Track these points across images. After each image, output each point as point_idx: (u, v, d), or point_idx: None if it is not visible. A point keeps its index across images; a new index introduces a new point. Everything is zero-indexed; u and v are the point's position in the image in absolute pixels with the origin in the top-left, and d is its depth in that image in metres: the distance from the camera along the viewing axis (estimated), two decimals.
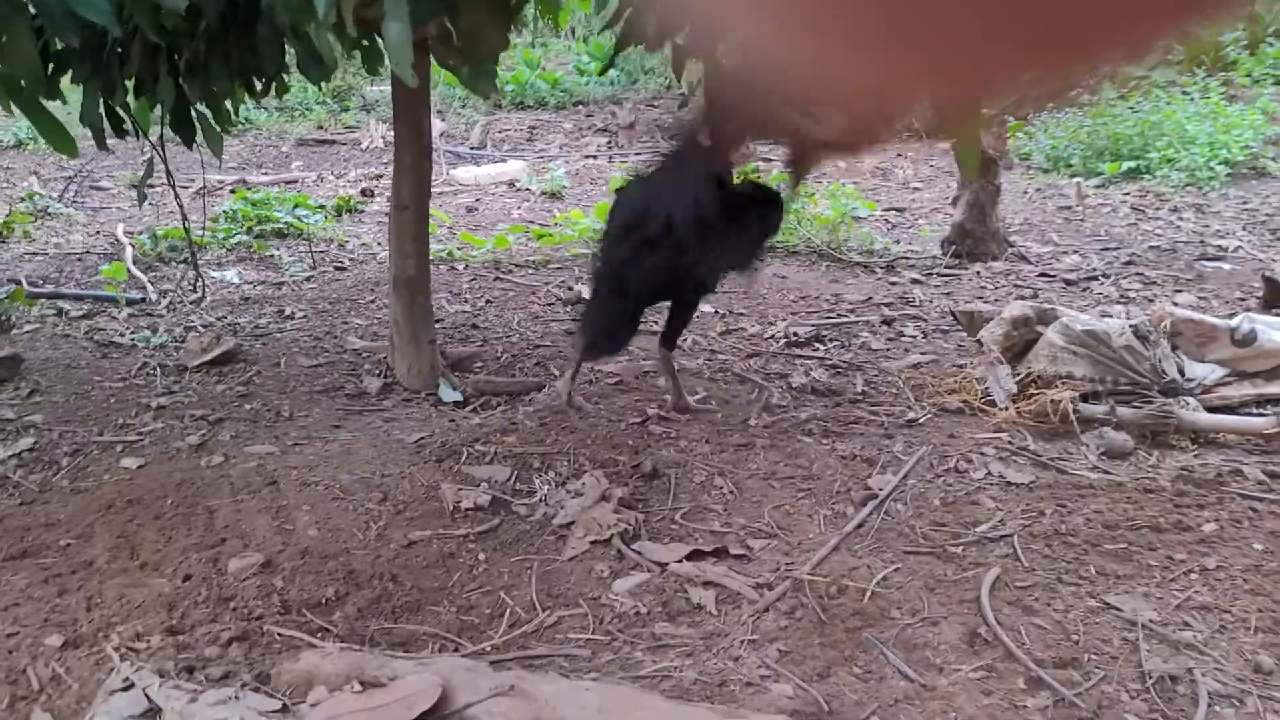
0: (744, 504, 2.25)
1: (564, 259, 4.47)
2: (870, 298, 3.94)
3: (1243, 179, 6.24)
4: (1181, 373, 2.76)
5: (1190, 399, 2.69)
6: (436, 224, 5.03)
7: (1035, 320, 2.92)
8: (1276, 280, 3.66)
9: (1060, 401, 2.66)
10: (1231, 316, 3.02)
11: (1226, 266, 4.42)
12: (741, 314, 3.68)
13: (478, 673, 1.49)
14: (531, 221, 5.49)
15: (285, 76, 2.83)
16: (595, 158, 8.33)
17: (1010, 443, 2.58)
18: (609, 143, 9.36)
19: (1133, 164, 6.46)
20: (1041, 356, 2.83)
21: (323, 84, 2.92)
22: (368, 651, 1.57)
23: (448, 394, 2.86)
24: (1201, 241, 4.82)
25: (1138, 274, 4.22)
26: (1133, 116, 6.80)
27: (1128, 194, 6.05)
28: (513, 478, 2.30)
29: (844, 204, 4.96)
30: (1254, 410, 2.75)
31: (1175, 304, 3.43)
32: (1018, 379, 2.81)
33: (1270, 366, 2.86)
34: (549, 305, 3.81)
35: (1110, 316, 3.02)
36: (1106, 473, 2.41)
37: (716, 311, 3.71)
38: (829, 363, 3.19)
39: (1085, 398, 2.75)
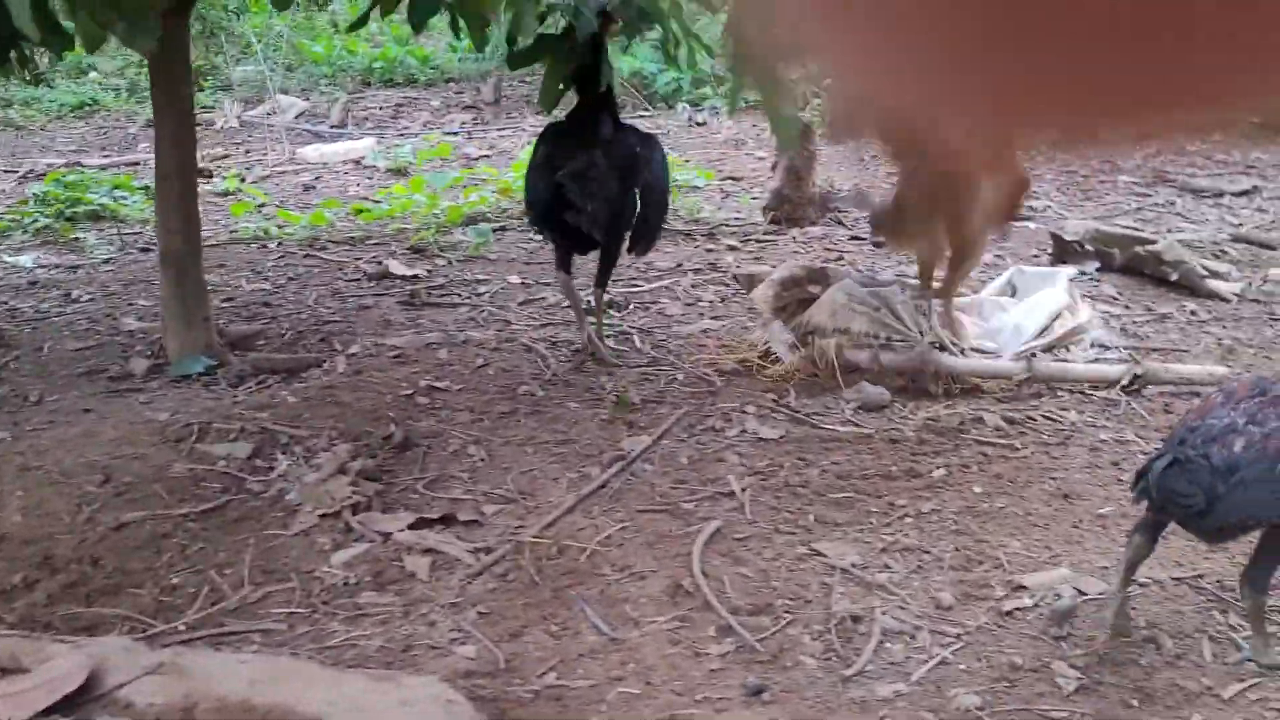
0: (492, 471, 2.25)
1: (383, 234, 4.40)
2: (680, 264, 3.96)
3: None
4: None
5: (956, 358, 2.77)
6: (251, 201, 4.91)
7: (805, 280, 2.97)
8: (1062, 238, 3.79)
9: (826, 351, 2.72)
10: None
11: (1032, 226, 4.56)
12: (546, 284, 3.67)
13: (136, 653, 1.46)
14: (365, 198, 5.39)
15: (29, 52, 2.71)
16: (456, 134, 8.20)
17: (774, 400, 2.62)
18: (474, 119, 9.26)
19: None
20: (822, 310, 2.87)
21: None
22: (23, 637, 1.53)
23: (192, 366, 2.77)
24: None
25: None
26: None
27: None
28: (254, 455, 2.26)
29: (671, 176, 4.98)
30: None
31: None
32: (796, 334, 2.86)
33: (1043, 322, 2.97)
34: (353, 281, 3.75)
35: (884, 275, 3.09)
36: (858, 426, 2.47)
37: (524, 282, 3.69)
38: (620, 329, 3.20)
39: (865, 349, 2.82)
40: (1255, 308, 3.34)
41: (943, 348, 2.78)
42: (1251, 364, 2.85)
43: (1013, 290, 3.20)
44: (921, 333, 2.79)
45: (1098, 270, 3.68)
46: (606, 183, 2.71)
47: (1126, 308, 3.38)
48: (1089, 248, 3.73)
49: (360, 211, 4.59)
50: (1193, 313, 3.31)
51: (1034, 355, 2.85)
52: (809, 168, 4.52)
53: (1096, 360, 2.88)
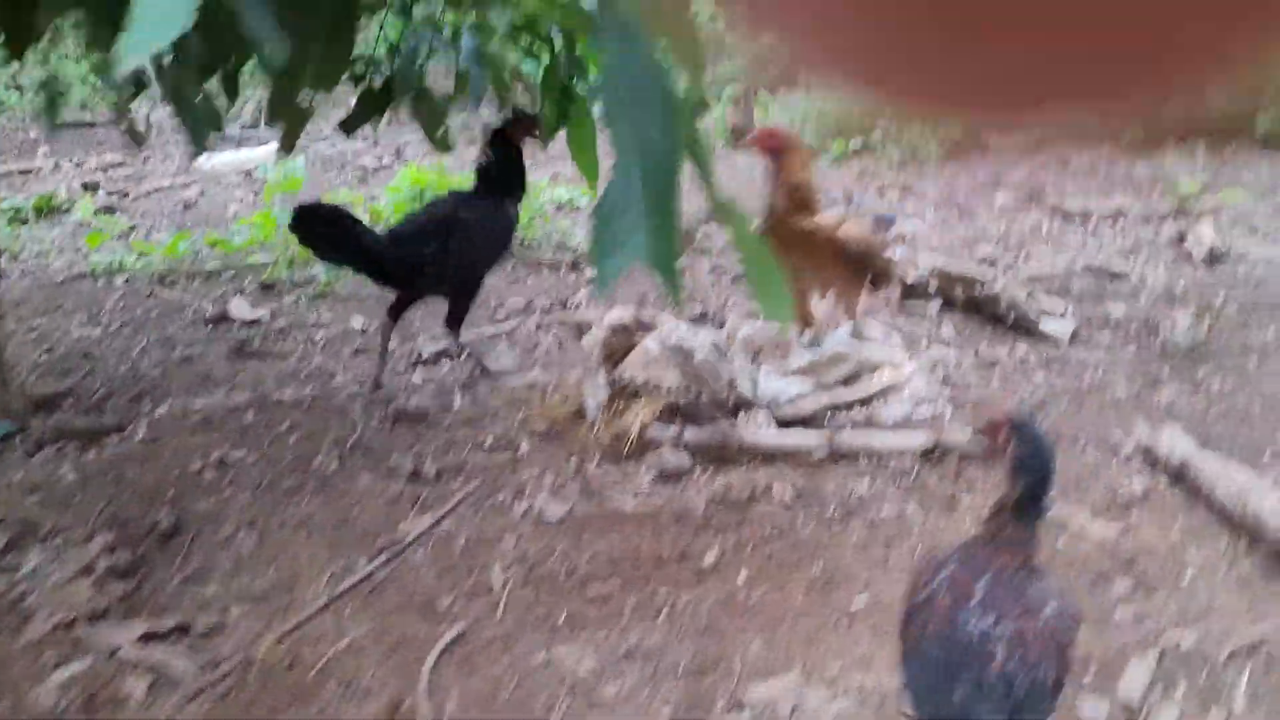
0: (256, 561, 2.20)
1: (242, 265, 4.31)
2: (531, 302, 3.91)
3: (968, 149, 6.47)
4: (755, 386, 2.82)
5: (760, 414, 2.75)
6: (107, 232, 4.78)
7: (635, 328, 2.94)
8: (904, 280, 3.79)
9: (632, 423, 2.69)
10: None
11: (899, 252, 4.57)
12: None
13: None
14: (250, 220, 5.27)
15: None
16: (366, 139, 8.00)
17: (576, 467, 2.60)
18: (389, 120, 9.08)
19: (859, 142, 6.64)
20: (636, 363, 2.85)
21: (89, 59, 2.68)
22: None
23: None
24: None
25: None
26: None
27: (846, 174, 6.20)
28: (6, 548, 2.19)
29: (540, 198, 4.93)
30: (828, 419, 2.85)
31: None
32: (613, 385, 2.83)
33: (845, 374, 2.96)
34: (190, 325, 3.66)
35: (704, 328, 3.06)
36: (648, 499, 2.45)
37: (363, 328, 3.63)
38: (447, 381, 3.15)
39: (673, 409, 2.79)
40: (1082, 351, 3.36)
41: (750, 407, 2.77)
42: (1060, 418, 2.87)
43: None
44: (730, 385, 2.77)
45: (939, 310, 3.70)
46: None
47: (959, 350, 3.39)
48: (931, 289, 3.74)
49: (215, 243, 4.48)
50: (1022, 359, 3.32)
51: (840, 408, 2.86)
52: None
53: (909, 416, 2.89)
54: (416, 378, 3.20)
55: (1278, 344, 3.37)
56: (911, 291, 3.76)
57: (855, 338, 3.14)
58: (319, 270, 4.08)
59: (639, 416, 2.71)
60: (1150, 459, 2.59)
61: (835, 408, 2.88)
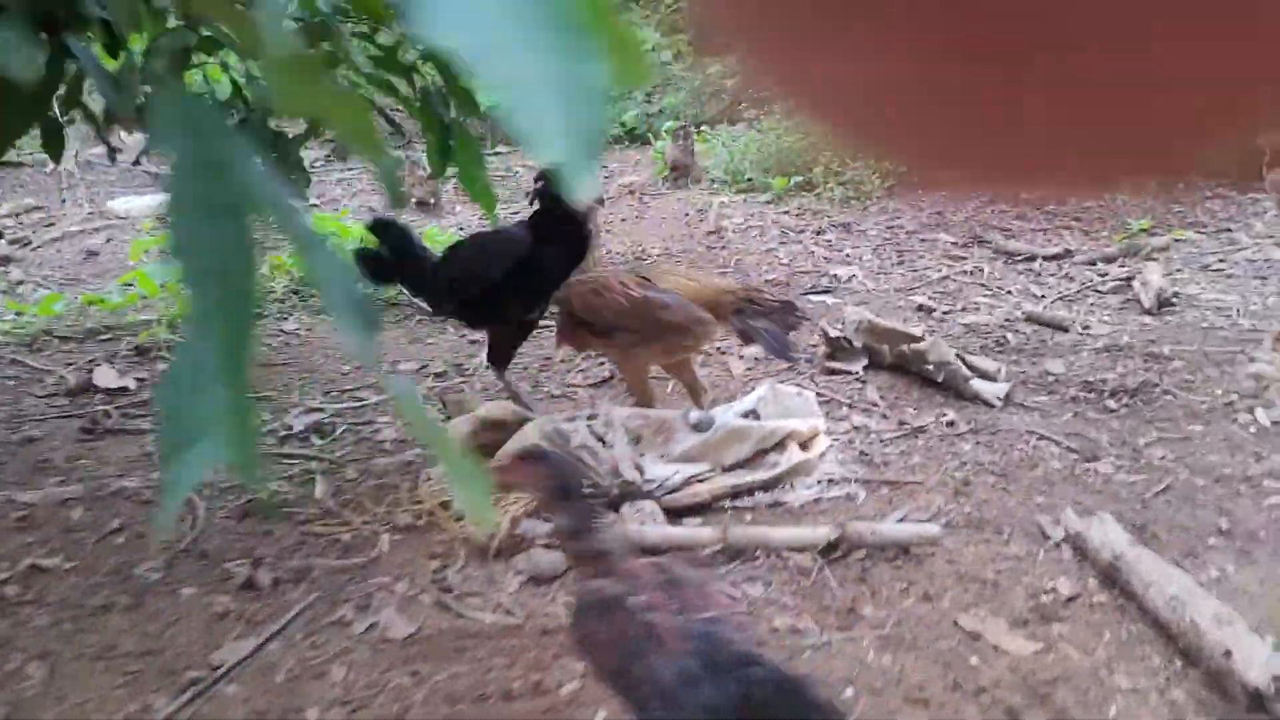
0: (39, 704, 1.87)
1: (119, 327, 3.99)
2: (427, 365, 3.62)
3: (903, 186, 6.25)
4: (642, 472, 2.53)
5: (646, 504, 2.46)
6: None
7: (513, 423, 2.65)
8: (829, 333, 3.52)
9: (503, 520, 2.39)
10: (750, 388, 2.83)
11: (830, 300, 4.31)
12: (267, 395, 3.30)
13: None
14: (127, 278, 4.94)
15: None
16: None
17: (435, 571, 2.29)
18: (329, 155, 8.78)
19: (801, 178, 6.40)
20: (513, 450, 2.55)
21: None
22: None
23: None
24: (821, 272, 4.72)
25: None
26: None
27: (786, 212, 5.96)
28: None
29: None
30: (725, 505, 2.57)
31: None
32: (494, 470, 2.53)
33: (747, 453, 2.68)
34: (47, 398, 3.34)
35: (597, 416, 2.76)
36: (510, 613, 2.14)
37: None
38: (310, 463, 2.84)
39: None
40: (1015, 416, 3.10)
41: (635, 496, 2.48)
42: (985, 500, 2.59)
43: (755, 417, 2.92)
44: (614, 473, 2.48)
45: (865, 369, 3.42)
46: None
47: (884, 416, 3.12)
48: (857, 344, 3.47)
49: (92, 302, 4.16)
50: (949, 423, 3.05)
51: (741, 492, 2.57)
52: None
53: (819, 498, 2.61)
54: (289, 449, 2.89)
55: (1224, 406, 3.11)
56: (837, 347, 3.49)
57: (750, 415, 2.87)
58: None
59: (510, 510, 2.41)
60: (1080, 551, 2.31)
61: (736, 493, 2.59)
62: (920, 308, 4.12)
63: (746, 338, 2.83)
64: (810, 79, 0.26)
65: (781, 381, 3.32)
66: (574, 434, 2.48)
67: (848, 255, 4.99)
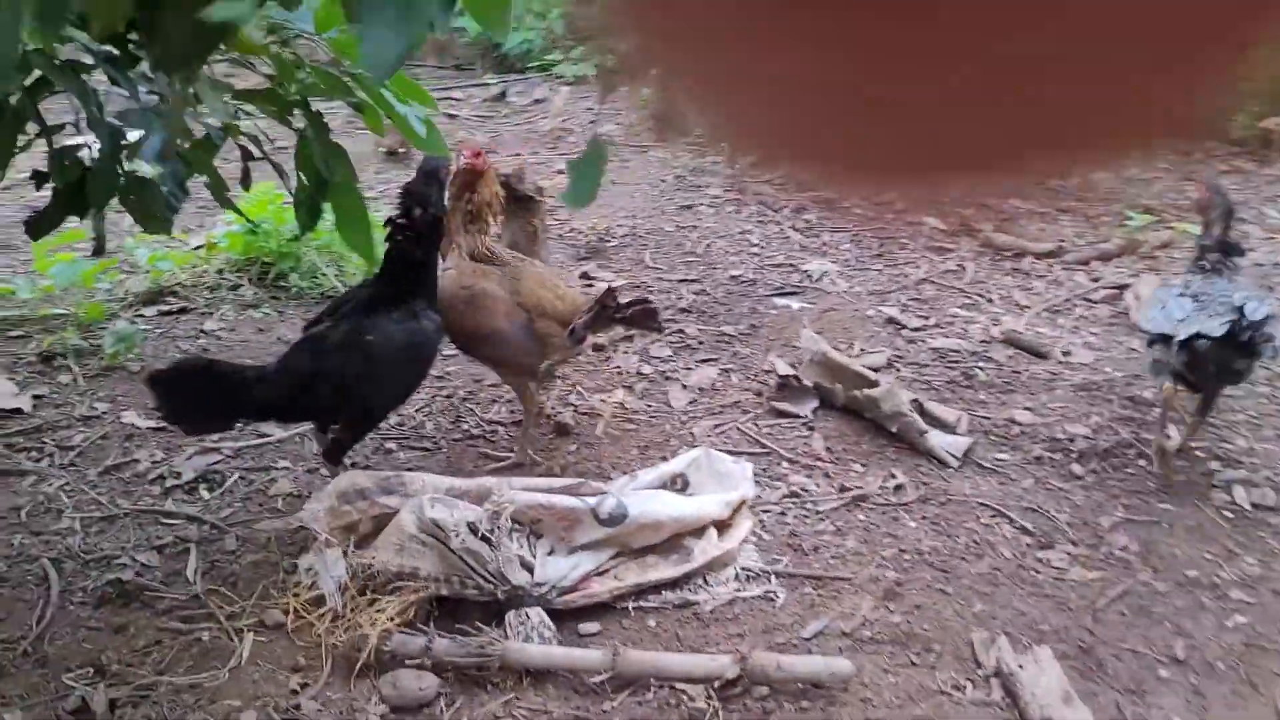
0: None
1: (29, 325, 3.71)
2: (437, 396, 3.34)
3: None
4: (532, 572, 2.28)
5: (534, 614, 2.22)
6: None
7: (376, 490, 2.40)
8: (778, 371, 3.23)
9: (370, 629, 2.16)
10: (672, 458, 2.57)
11: (795, 305, 4.01)
12: (159, 429, 3.05)
13: None
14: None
15: None
16: None
17: (290, 691, 2.07)
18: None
19: None
20: (390, 544, 2.31)
21: None
22: None
23: None
24: (792, 266, 4.39)
25: (681, 330, 3.74)
26: None
27: (770, 179, 5.58)
28: None
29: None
30: (627, 605, 2.33)
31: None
32: (362, 570, 2.29)
33: (657, 541, 2.43)
34: None
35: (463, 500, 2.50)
36: None
37: (133, 428, 3.06)
38: (190, 526, 2.61)
39: (435, 605, 2.27)
40: (971, 481, 2.83)
41: (522, 602, 2.23)
42: (917, 606, 2.34)
43: (684, 483, 2.66)
44: (503, 579, 2.24)
45: (815, 412, 3.14)
46: None
47: (827, 476, 2.85)
48: (808, 383, 3.18)
49: (7, 294, 3.88)
50: (897, 487, 2.79)
51: (645, 590, 2.33)
52: (531, 243, 3.88)
53: (733, 599, 2.36)
54: (171, 504, 2.65)
55: (1202, 478, 2.83)
56: (785, 385, 3.20)
57: (677, 481, 2.61)
58: (127, 328, 3.50)
59: (379, 621, 2.17)
60: (1011, 694, 2.07)
61: (640, 590, 2.35)
62: (890, 321, 3.81)
63: (626, 325, 2.85)
64: (712, 81, 0.25)
65: (721, 426, 3.06)
66: (454, 533, 2.22)
67: (825, 244, 4.65)
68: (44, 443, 2.98)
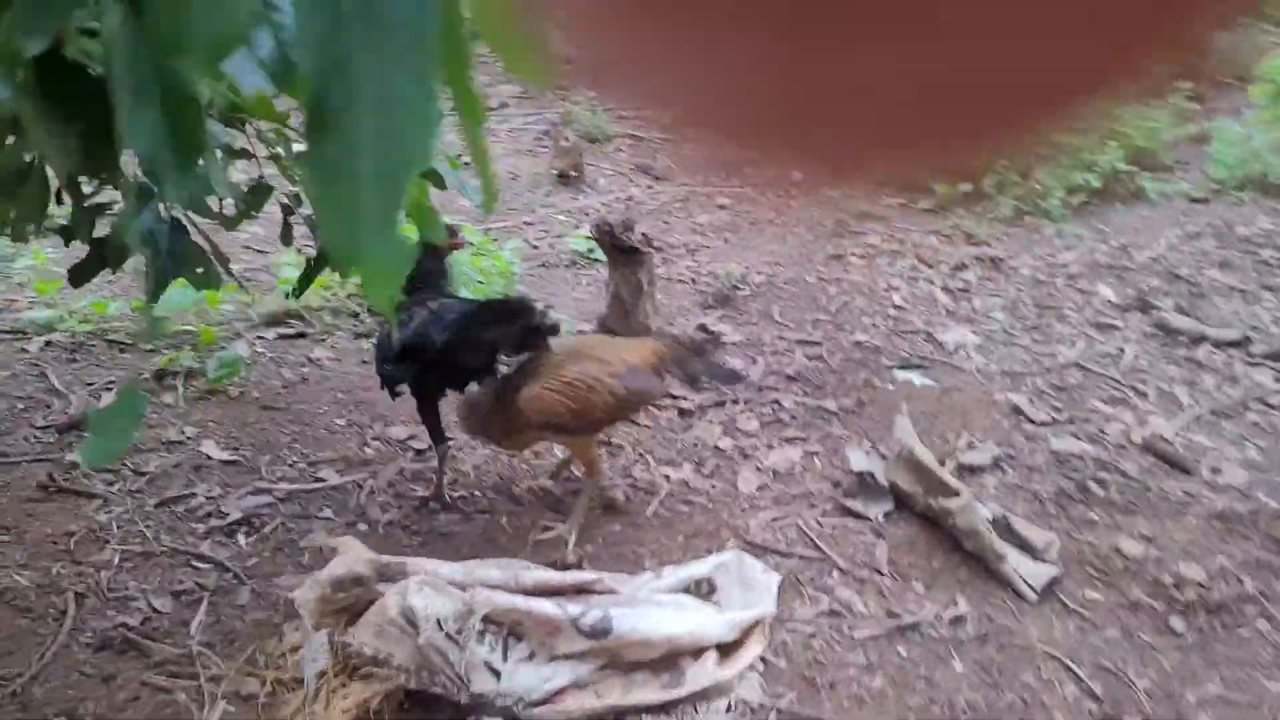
0: None
1: (164, 338, 3.91)
2: (413, 437, 3.32)
3: (1098, 207, 5.33)
4: (499, 678, 2.14)
5: None
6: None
7: (374, 579, 2.32)
8: (849, 467, 2.95)
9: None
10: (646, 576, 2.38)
11: (918, 381, 3.68)
12: (242, 456, 3.11)
13: None
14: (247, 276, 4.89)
15: None
16: None
17: None
18: None
19: (969, 185, 5.57)
20: (370, 625, 2.24)
21: None
22: None
23: None
24: (929, 333, 4.05)
25: (777, 400, 3.50)
26: None
27: (935, 230, 5.20)
28: None
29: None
30: None
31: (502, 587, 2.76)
32: (342, 649, 2.23)
33: (656, 656, 2.24)
34: (43, 429, 3.29)
35: (461, 589, 2.37)
36: None
37: (205, 458, 3.14)
38: (213, 574, 2.63)
39: (407, 693, 2.18)
40: (1041, 625, 2.47)
41: (485, 711, 2.10)
42: None
43: (710, 588, 2.46)
44: (466, 683, 2.11)
45: (887, 515, 2.85)
46: None
47: (880, 594, 2.57)
48: (883, 481, 2.89)
49: (138, 307, 4.10)
50: (957, 619, 2.47)
51: (625, 713, 2.14)
52: (636, 296, 3.74)
53: None
54: (207, 547, 2.70)
55: None
56: (862, 482, 2.92)
57: (702, 585, 2.41)
58: (233, 353, 3.63)
59: (350, 710, 2.10)
60: None
61: (617, 713, 2.17)
62: (1015, 411, 3.42)
63: (694, 381, 2.79)
64: (655, 69, 0.26)
65: (781, 520, 2.83)
66: (425, 625, 2.12)
67: (974, 310, 4.26)
68: (125, 464, 3.10)
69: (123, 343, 3.88)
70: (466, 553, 2.72)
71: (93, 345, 3.85)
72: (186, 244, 2.33)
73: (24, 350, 3.77)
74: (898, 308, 4.28)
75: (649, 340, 2.79)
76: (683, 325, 4.13)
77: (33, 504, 2.90)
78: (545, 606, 2.19)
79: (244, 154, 2.35)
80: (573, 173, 6.26)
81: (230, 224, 2.49)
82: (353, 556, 2.33)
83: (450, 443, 2.93)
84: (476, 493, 3.00)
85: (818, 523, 2.84)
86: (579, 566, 2.57)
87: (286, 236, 2.52)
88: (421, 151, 0.74)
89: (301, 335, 3.97)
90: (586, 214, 5.74)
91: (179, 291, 3.71)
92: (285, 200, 2.42)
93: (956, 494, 2.72)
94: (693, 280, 4.59)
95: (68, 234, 2.27)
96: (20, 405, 3.43)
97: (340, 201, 0.75)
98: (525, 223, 5.53)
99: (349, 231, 0.75)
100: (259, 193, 2.41)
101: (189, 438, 3.25)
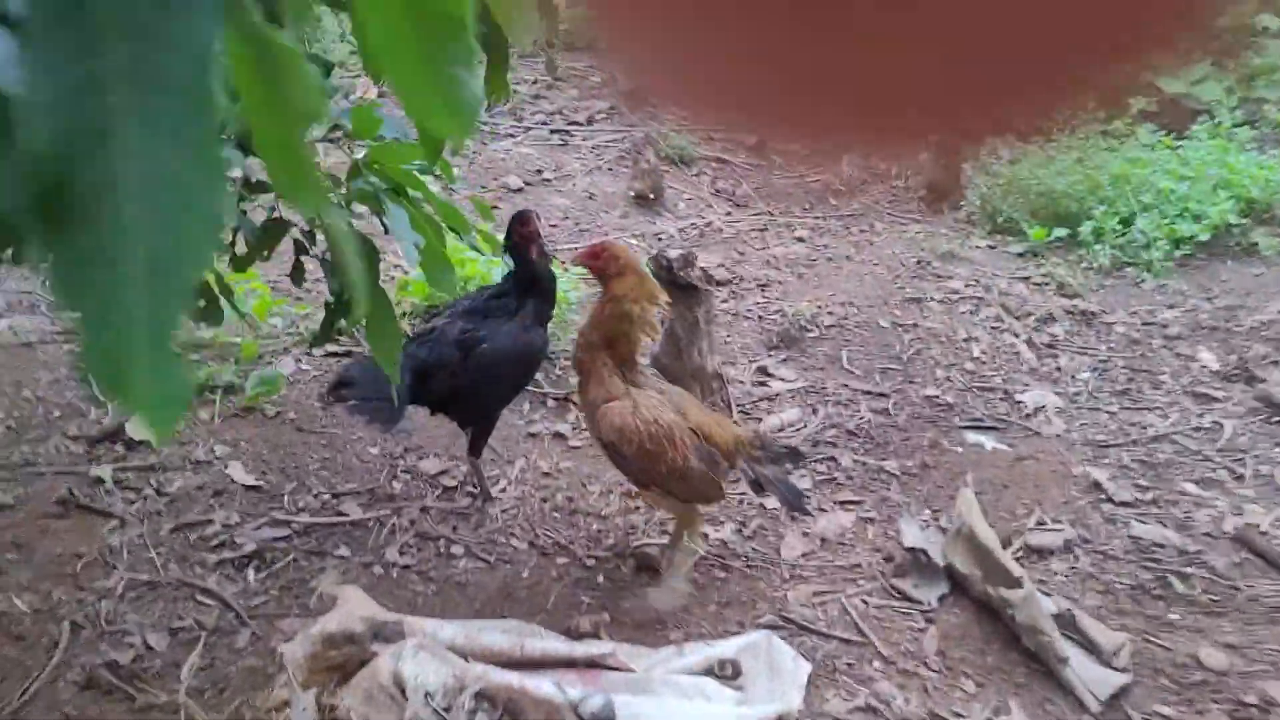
0: None
1: (214, 349, 3.84)
2: (444, 472, 3.16)
3: (1205, 262, 4.97)
4: None
5: None
6: None
7: (368, 637, 2.16)
8: (901, 541, 2.71)
9: None
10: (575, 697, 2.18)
11: (990, 445, 3.41)
12: (266, 481, 3.00)
13: None
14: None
15: None
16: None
17: None
18: None
19: (1065, 231, 5.25)
20: (361, 689, 2.09)
21: None
22: None
23: None
24: (1006, 391, 3.77)
25: (833, 458, 3.27)
26: (1098, 161, 5.50)
27: (1026, 276, 4.89)
28: None
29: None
30: None
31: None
32: (334, 713, 2.08)
33: None
34: (75, 439, 3.22)
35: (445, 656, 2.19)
36: None
37: (229, 483, 3.03)
38: (215, 613, 2.51)
39: None
40: None
41: None
42: None
43: (735, 671, 2.26)
44: None
45: (941, 599, 2.60)
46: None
47: (924, 692, 2.33)
48: (938, 561, 2.64)
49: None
50: None
51: None
52: (691, 335, 3.54)
53: None
54: (214, 581, 2.58)
55: None
56: (915, 560, 2.68)
57: (726, 667, 2.20)
58: (273, 371, 3.54)
59: None
60: None
61: None
62: (1095, 487, 3.13)
63: (758, 487, 2.54)
64: (663, 54, 0.27)
65: (823, 596, 2.60)
66: (413, 697, 1.95)
67: (1059, 369, 3.96)
68: (148, 483, 3.01)
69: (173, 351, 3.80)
70: (480, 606, 2.55)
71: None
72: None
73: (72, 353, 3.73)
74: (976, 360, 4.00)
75: (736, 426, 2.57)
76: (744, 366, 3.92)
77: (49, 520, 2.82)
78: (544, 687, 2.00)
79: (262, 187, 2.23)
80: (651, 195, 6.09)
81: (239, 264, 2.34)
82: (347, 612, 2.18)
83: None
84: (501, 539, 2.83)
85: (863, 601, 2.61)
86: (595, 635, 2.38)
87: (297, 276, 2.39)
88: (205, 243, 0.56)
89: (349, 354, 3.87)
90: (660, 238, 5.58)
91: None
92: (299, 237, 2.28)
93: (1018, 583, 2.46)
94: (760, 317, 4.38)
95: None
96: (57, 412, 3.37)
97: (99, 315, 0.57)
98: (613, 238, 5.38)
99: (113, 354, 0.57)
100: (273, 231, 2.28)
101: (217, 457, 3.15)
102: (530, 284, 2.82)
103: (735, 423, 2.94)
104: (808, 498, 2.73)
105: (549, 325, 2.88)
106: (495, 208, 5.95)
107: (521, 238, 2.79)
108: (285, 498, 2.96)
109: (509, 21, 1.49)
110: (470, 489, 3.03)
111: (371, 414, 2.67)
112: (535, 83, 8.25)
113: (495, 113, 7.62)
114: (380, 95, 5.24)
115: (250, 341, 3.69)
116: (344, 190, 2.11)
